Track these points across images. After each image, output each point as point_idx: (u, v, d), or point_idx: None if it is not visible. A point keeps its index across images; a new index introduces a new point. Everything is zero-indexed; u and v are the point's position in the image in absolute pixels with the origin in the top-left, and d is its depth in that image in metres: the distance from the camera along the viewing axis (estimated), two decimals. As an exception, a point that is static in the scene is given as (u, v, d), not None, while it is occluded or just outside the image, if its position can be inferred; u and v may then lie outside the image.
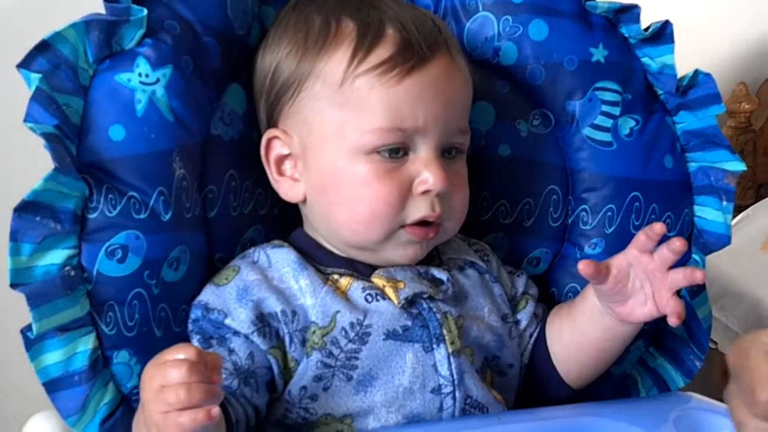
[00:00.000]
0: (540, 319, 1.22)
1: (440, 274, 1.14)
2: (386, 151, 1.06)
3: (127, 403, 1.07)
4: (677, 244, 1.05)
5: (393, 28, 1.08)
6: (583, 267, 1.05)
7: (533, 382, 1.22)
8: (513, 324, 1.20)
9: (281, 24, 1.15)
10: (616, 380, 1.22)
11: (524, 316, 1.21)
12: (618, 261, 1.09)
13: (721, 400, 1.13)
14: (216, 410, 0.85)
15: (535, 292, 1.25)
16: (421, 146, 1.08)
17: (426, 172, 1.07)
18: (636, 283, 1.09)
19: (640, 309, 1.09)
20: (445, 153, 1.11)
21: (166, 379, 0.87)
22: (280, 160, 1.14)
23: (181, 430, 0.85)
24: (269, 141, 1.14)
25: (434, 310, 1.10)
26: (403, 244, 1.10)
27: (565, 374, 1.19)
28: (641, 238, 1.08)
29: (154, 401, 0.87)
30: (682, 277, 1.06)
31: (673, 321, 1.05)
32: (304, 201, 1.14)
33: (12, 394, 1.93)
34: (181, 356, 0.88)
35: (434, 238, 1.11)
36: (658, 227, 1.07)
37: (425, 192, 1.07)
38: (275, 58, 1.13)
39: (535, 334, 1.21)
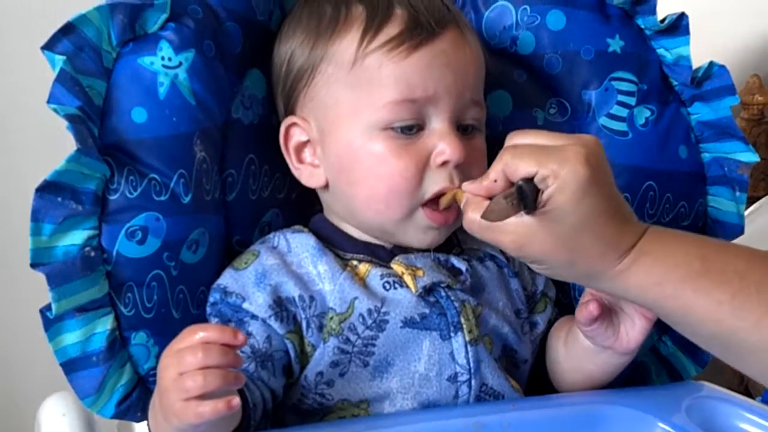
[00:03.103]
0: (552, 324, 1.23)
1: (459, 264, 1.14)
2: (400, 128, 1.07)
3: (143, 385, 1.08)
4: None
5: (401, 7, 1.09)
6: (589, 312, 1.06)
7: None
8: (526, 321, 1.19)
9: (295, 16, 1.16)
10: (629, 368, 1.22)
11: (542, 319, 1.21)
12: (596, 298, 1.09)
13: (733, 389, 1.14)
14: (236, 401, 0.85)
15: (554, 294, 1.25)
16: (435, 119, 1.08)
17: (442, 144, 1.07)
18: (618, 311, 1.09)
19: (634, 331, 1.08)
20: (461, 129, 1.11)
21: (183, 366, 0.87)
22: (300, 147, 1.15)
23: (201, 418, 0.85)
24: (288, 129, 1.14)
25: (452, 298, 1.10)
26: (423, 229, 1.10)
27: (556, 384, 1.20)
28: None
29: (173, 390, 0.87)
30: None
31: None
32: (326, 186, 1.14)
33: (28, 375, 1.94)
34: (198, 336, 0.88)
35: (454, 223, 1.11)
36: None
37: (443, 164, 1.07)
38: (290, 48, 1.14)
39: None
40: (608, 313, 1.08)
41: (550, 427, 1.05)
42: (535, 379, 1.21)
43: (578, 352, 1.14)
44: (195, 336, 0.89)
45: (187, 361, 0.87)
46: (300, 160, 1.15)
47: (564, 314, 1.23)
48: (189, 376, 0.86)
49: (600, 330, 1.08)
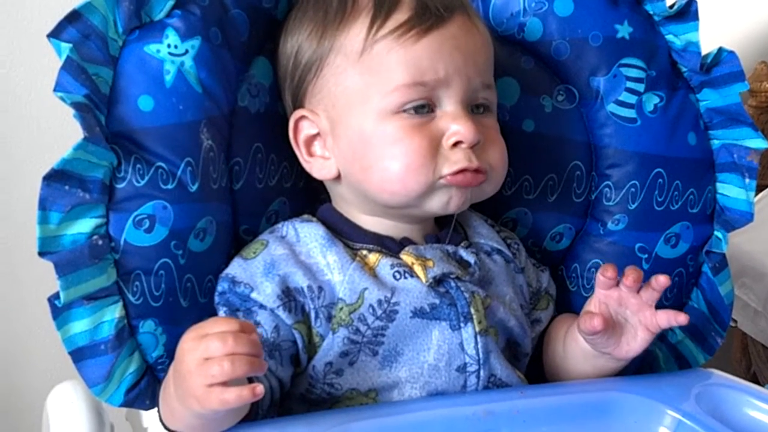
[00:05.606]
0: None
1: (468, 256, 1.13)
2: (412, 108, 1.06)
3: (152, 373, 1.07)
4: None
5: None
6: (593, 326, 1.07)
7: None
8: (528, 316, 1.20)
9: (301, 8, 1.16)
10: (638, 356, 1.22)
11: (544, 316, 1.23)
12: (601, 309, 1.10)
13: (740, 376, 1.14)
14: (260, 388, 0.86)
15: (554, 292, 1.26)
16: (446, 101, 1.08)
17: (455, 125, 1.07)
18: (622, 321, 1.10)
19: (635, 342, 1.09)
20: (473, 109, 1.10)
21: (209, 351, 0.87)
22: (309, 140, 1.14)
23: (225, 405, 0.86)
24: (297, 122, 1.14)
25: (462, 289, 1.10)
26: (446, 193, 1.08)
27: (551, 379, 1.21)
28: (600, 278, 1.09)
29: (197, 374, 0.87)
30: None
31: (681, 320, 1.06)
32: (338, 177, 1.13)
33: (36, 365, 1.94)
34: (222, 329, 0.88)
35: (482, 186, 1.10)
36: (610, 272, 1.08)
37: (457, 144, 1.07)
38: (296, 41, 1.13)
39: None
40: (612, 324, 1.09)
41: (559, 415, 1.04)
42: (529, 371, 1.21)
43: (576, 352, 1.15)
44: (223, 325, 0.89)
45: (214, 347, 0.87)
46: (310, 153, 1.14)
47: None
48: (215, 361, 0.86)
49: (602, 339, 1.09)
